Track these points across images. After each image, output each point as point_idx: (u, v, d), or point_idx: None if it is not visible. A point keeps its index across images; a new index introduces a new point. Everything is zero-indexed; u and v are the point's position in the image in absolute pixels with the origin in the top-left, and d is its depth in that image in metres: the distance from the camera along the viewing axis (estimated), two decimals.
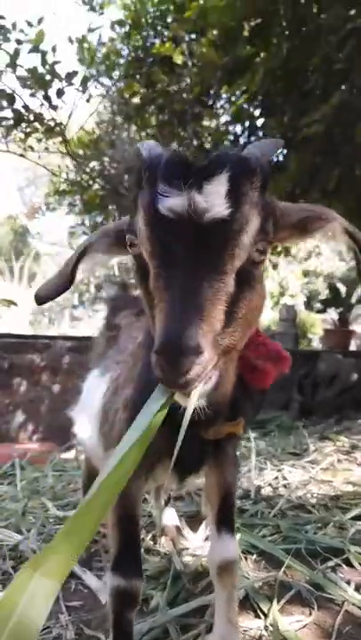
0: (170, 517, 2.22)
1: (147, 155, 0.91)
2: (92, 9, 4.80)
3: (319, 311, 10.85)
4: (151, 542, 2.23)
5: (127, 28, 4.99)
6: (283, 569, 1.87)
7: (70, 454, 4.35)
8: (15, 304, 8.10)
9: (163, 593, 1.77)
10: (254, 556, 2.02)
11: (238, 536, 2.07)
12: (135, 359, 1.42)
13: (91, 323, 18.63)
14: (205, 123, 6.18)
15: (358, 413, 5.17)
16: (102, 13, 4.91)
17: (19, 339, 6.28)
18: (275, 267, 9.52)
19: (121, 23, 4.99)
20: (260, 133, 6.62)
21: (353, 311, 9.67)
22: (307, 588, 1.76)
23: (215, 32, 4.72)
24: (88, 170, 6.32)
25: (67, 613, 1.70)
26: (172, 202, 0.80)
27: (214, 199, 0.80)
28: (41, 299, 1.12)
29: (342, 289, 9.35)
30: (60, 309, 21.51)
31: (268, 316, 17.03)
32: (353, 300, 9.21)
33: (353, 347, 9.37)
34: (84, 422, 1.68)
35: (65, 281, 1.09)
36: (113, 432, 1.44)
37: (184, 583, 1.83)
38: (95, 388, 1.65)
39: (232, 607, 1.36)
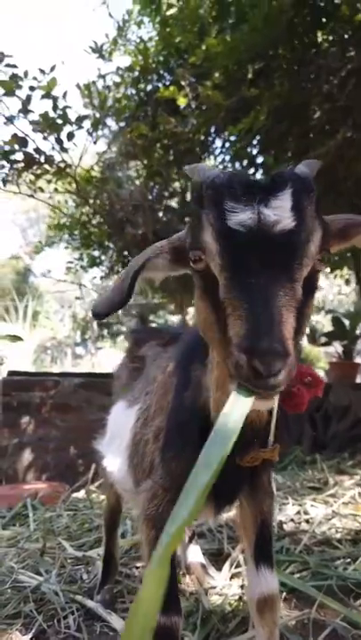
0: (195, 555, 2.16)
1: (204, 175, 0.95)
2: (102, 56, 5.01)
3: (323, 344, 10.82)
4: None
5: (136, 73, 5.18)
6: (315, 607, 1.81)
7: (81, 494, 4.26)
8: (21, 339, 8.08)
9: (193, 635, 1.71)
10: (284, 594, 1.96)
11: None
12: (166, 388, 1.41)
13: (93, 360, 18.57)
14: (209, 162, 6.34)
15: None
16: (111, 60, 5.12)
17: (26, 376, 6.25)
18: None
19: (130, 69, 5.18)
20: (261, 170, 6.80)
21: (357, 344, 9.67)
22: (343, 625, 1.70)
23: (219, 75, 4.90)
24: (90, 205, 6.41)
25: None
26: (242, 216, 0.85)
27: (282, 212, 0.85)
28: (99, 314, 1.12)
29: (346, 322, 9.37)
30: (63, 347, 21.50)
31: None
32: (358, 332, 9.21)
33: (359, 380, 9.31)
34: (113, 455, 1.66)
35: (122, 296, 1.09)
36: (144, 464, 1.42)
37: (214, 623, 1.77)
38: (123, 419, 1.63)
39: None
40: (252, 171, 6.38)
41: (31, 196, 5.13)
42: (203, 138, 5.49)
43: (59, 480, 4.95)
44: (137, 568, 2.33)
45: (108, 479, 1.81)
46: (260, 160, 6.59)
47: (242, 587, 2.02)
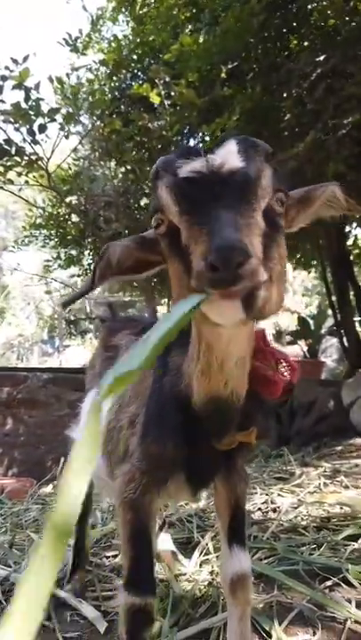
0: (165, 543, 2.19)
1: (159, 161, 1.00)
2: (75, 50, 4.98)
3: (289, 343, 11.02)
4: None
5: (109, 68, 5.17)
6: (282, 590, 1.87)
7: (49, 488, 4.24)
8: None
9: (164, 619, 1.74)
10: (251, 579, 2.01)
11: None
12: (142, 376, 1.43)
13: (61, 358, 18.36)
14: None
15: (335, 441, 5.23)
16: (85, 54, 5.10)
17: None
18: None
19: (104, 63, 5.17)
20: None
21: (321, 343, 9.90)
22: (309, 607, 1.76)
23: (193, 74, 4.94)
24: (65, 204, 6.39)
25: None
26: (192, 165, 0.90)
27: (228, 155, 0.90)
28: (65, 303, 1.16)
29: (310, 322, 9.57)
30: (30, 345, 21.18)
31: None
32: (322, 331, 9.43)
33: (323, 377, 9.53)
34: (80, 427, 1.67)
35: (87, 283, 1.14)
36: (118, 450, 1.44)
37: (185, 608, 1.80)
38: None
39: (246, 625, 1.35)
40: None
41: (0, 187, 5.05)
42: (177, 137, 5.52)
43: (27, 475, 4.90)
44: (107, 558, 2.35)
45: None
46: None
47: (211, 573, 2.06)
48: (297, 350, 10.71)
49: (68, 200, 6.44)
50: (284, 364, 1.27)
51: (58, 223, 7.00)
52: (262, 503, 2.82)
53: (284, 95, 4.99)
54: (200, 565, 2.17)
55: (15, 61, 4.00)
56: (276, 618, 1.71)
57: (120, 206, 5.63)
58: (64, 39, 4.93)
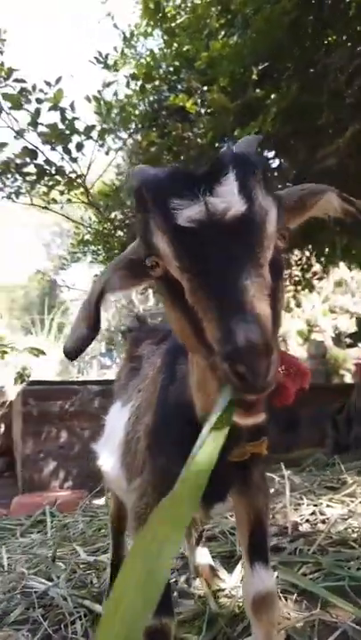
0: (203, 557, 2.12)
1: (142, 177, 0.90)
2: (107, 67, 5.08)
3: (349, 346, 10.65)
4: (185, 585, 2.14)
5: (144, 83, 5.23)
6: (326, 608, 1.76)
7: (101, 500, 4.26)
8: (44, 353, 8.23)
9: (199, 637, 1.68)
10: (295, 596, 1.91)
11: (275, 574, 1.97)
12: (155, 385, 1.40)
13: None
14: None
15: None
16: (117, 70, 5.19)
17: (46, 385, 6.32)
18: (298, 305, 9.47)
19: (134, 77, 5.24)
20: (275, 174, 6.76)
21: None
22: (354, 627, 1.64)
23: (224, 79, 4.91)
24: (111, 218, 6.50)
25: None
26: (190, 211, 0.80)
27: (231, 197, 0.80)
28: (70, 353, 1.08)
29: None
30: (90, 358, 21.69)
31: (297, 354, 16.80)
32: None
33: None
34: (108, 454, 1.65)
35: (90, 328, 1.06)
36: (136, 462, 1.41)
37: (221, 626, 1.74)
38: (117, 418, 1.62)
39: None
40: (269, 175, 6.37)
41: (45, 207, 5.21)
42: (214, 143, 5.48)
43: (80, 487, 4.97)
44: None
45: (106, 481, 1.80)
46: (275, 164, 6.58)
47: None
48: (358, 353, 10.34)
49: (112, 215, 6.56)
50: (295, 369, 1.20)
51: (104, 238, 7.13)
52: (310, 514, 2.69)
53: (322, 91, 4.86)
54: (240, 581, 2.09)
55: (48, 84, 4.12)
56: (316, 638, 1.61)
57: None
58: (95, 58, 5.04)
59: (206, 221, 0.79)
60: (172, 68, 6.29)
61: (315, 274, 8.03)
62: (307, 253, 7.73)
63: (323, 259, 7.59)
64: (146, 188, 0.88)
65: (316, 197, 1.07)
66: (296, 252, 8.16)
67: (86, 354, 21.81)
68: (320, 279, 8.42)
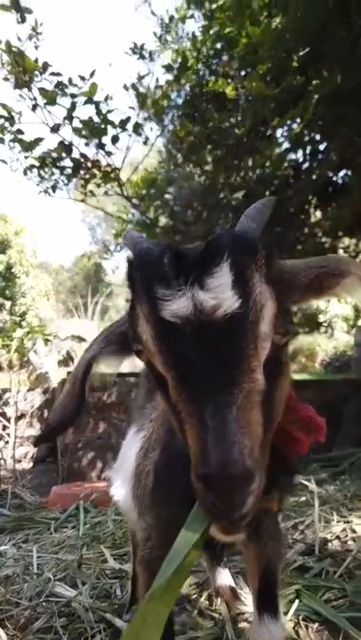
0: (224, 578, 2.09)
1: (133, 249, 0.83)
2: (142, 57, 4.98)
3: None
4: (206, 602, 2.12)
5: (175, 72, 5.10)
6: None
7: None
8: (85, 340, 8.35)
9: None
10: (316, 625, 1.85)
11: (296, 603, 1.92)
12: (165, 417, 1.35)
13: None
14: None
15: None
16: (152, 60, 5.08)
17: None
18: None
19: (169, 68, 5.11)
20: (320, 157, 6.51)
21: None
22: None
23: (265, 66, 4.72)
24: (153, 207, 6.48)
25: None
26: (176, 305, 0.72)
27: (221, 293, 0.71)
28: (56, 430, 1.06)
29: None
30: None
31: (343, 341, 16.36)
32: None
33: None
34: (120, 484, 1.63)
35: (76, 403, 1.02)
36: (145, 497, 1.37)
37: None
38: (131, 445, 1.59)
39: None
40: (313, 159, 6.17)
41: (82, 200, 5.21)
42: (252, 130, 5.31)
43: None
44: None
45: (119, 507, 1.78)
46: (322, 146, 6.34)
47: None
48: None
49: (155, 204, 6.53)
50: (310, 422, 1.12)
51: (145, 228, 7.12)
52: (341, 531, 2.61)
53: None
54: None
55: (82, 78, 4.07)
56: None
57: (197, 208, 5.58)
58: (131, 48, 4.94)
59: (193, 319, 0.71)
60: (212, 52, 6.12)
61: None
62: (354, 240, 7.52)
63: None
64: (135, 267, 0.80)
65: (335, 279, 0.92)
66: (345, 240, 7.93)
67: None
68: None
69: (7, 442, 6.58)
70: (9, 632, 1.96)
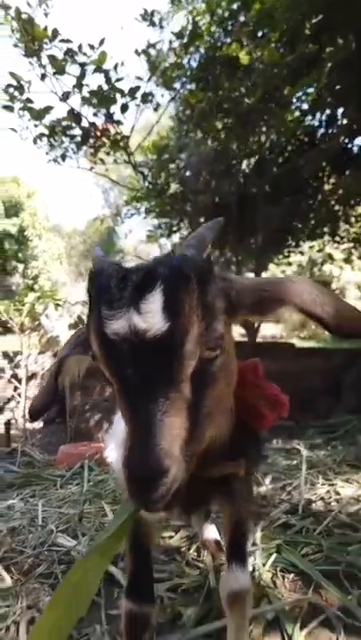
0: (210, 532, 2.27)
1: (93, 268, 0.95)
2: (152, 24, 4.90)
3: None
4: (195, 554, 2.30)
5: (186, 39, 5.03)
6: (317, 592, 1.87)
7: None
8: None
9: (195, 609, 1.84)
10: (292, 576, 2.03)
11: (274, 555, 2.09)
12: None
13: None
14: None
15: None
16: (162, 27, 5.00)
17: None
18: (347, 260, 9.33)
19: (179, 35, 5.04)
20: (338, 123, 6.42)
21: None
22: (336, 614, 1.74)
23: (278, 33, 4.65)
24: (164, 173, 6.48)
25: (105, 622, 1.81)
26: (115, 326, 0.85)
27: (152, 317, 0.83)
28: (34, 415, 1.28)
29: None
30: None
31: (355, 305, 16.33)
32: None
33: None
34: (113, 447, 1.77)
35: (49, 395, 1.24)
36: None
37: (215, 602, 1.88)
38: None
39: (243, 636, 1.39)
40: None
41: (91, 168, 5.26)
42: (263, 100, 5.26)
43: None
44: (162, 538, 2.50)
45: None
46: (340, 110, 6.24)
47: (253, 567, 2.11)
48: None
49: (162, 172, 6.53)
50: (274, 399, 1.25)
51: (155, 195, 7.13)
52: (325, 493, 2.77)
53: None
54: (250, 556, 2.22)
55: (92, 47, 4.06)
56: (298, 621, 1.73)
57: (206, 177, 5.58)
58: (141, 15, 4.86)
59: (129, 338, 0.84)
60: (228, 13, 5.99)
61: None
62: None
63: None
64: (91, 284, 0.93)
65: (276, 305, 1.06)
66: (359, 208, 7.90)
67: None
68: None
69: (18, 402, 6.83)
70: (14, 576, 2.16)
